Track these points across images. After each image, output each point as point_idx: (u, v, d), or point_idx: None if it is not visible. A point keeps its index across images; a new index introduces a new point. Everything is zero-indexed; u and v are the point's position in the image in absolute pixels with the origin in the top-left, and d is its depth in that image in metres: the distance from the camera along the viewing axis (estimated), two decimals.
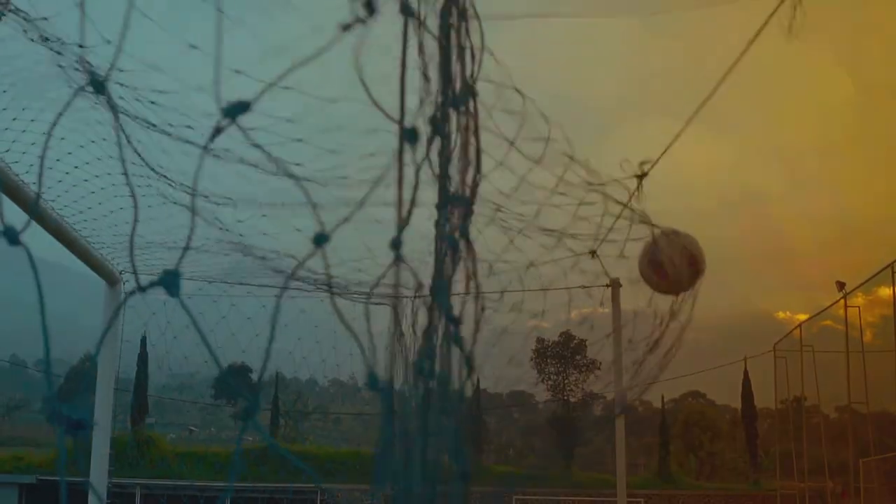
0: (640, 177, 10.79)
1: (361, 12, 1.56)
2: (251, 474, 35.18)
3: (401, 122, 1.69)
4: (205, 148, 1.62)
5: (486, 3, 2.02)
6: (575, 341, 51.04)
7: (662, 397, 46.87)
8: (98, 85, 1.58)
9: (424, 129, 1.76)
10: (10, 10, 4.29)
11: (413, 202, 1.72)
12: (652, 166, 10.17)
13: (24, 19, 4.48)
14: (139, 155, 5.61)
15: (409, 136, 1.68)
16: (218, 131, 1.50)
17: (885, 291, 23.54)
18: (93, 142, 6.14)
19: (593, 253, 16.04)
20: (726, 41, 9.04)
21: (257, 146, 1.75)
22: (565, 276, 7.12)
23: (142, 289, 1.45)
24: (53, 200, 7.32)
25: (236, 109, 1.49)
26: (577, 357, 50.38)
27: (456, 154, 1.87)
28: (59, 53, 4.84)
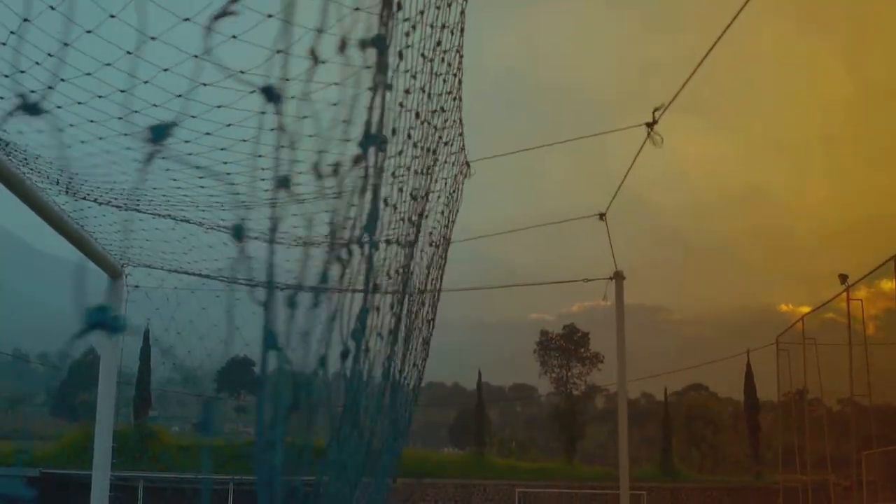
0: (651, 124, 10.79)
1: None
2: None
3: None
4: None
5: None
6: (578, 334, 51.08)
7: (665, 390, 46.88)
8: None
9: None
10: None
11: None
12: (662, 112, 10.14)
13: None
14: None
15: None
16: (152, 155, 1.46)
17: (888, 284, 23.54)
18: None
19: (602, 215, 15.94)
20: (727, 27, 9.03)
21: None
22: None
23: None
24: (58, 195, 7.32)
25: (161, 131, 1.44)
26: (581, 350, 50.43)
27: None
28: None
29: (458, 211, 7.64)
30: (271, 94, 1.57)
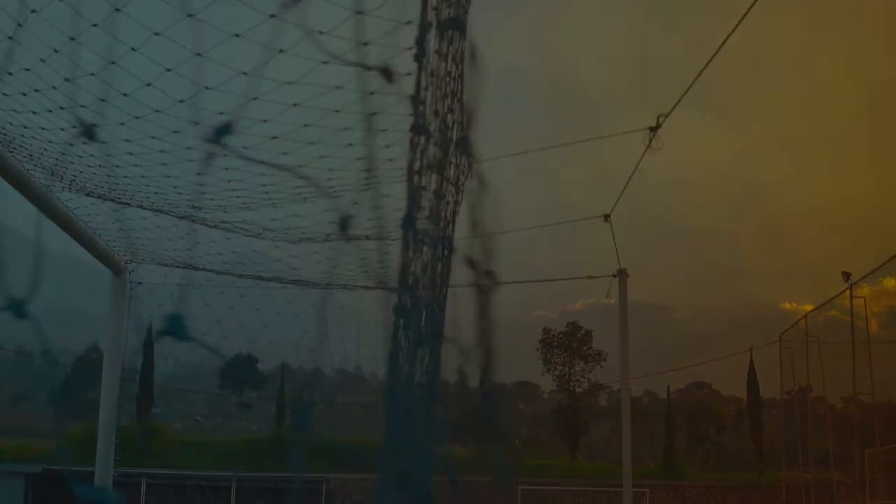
0: (654, 129, 10.82)
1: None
2: (257, 464, 35.29)
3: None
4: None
5: None
6: (581, 332, 51.03)
7: (668, 388, 46.87)
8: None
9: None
10: None
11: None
12: (665, 117, 10.15)
13: None
14: None
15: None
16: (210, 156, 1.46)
17: (891, 282, 23.54)
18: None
19: (607, 217, 15.96)
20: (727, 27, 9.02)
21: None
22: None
23: None
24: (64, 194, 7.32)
25: (222, 131, 1.45)
26: (584, 347, 50.37)
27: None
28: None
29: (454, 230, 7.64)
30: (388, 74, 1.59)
